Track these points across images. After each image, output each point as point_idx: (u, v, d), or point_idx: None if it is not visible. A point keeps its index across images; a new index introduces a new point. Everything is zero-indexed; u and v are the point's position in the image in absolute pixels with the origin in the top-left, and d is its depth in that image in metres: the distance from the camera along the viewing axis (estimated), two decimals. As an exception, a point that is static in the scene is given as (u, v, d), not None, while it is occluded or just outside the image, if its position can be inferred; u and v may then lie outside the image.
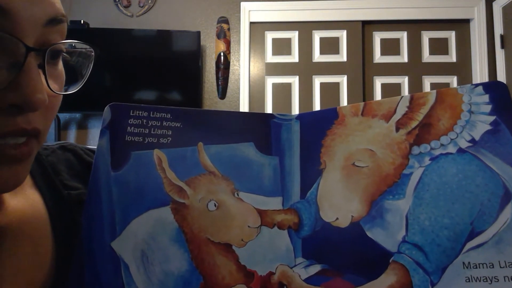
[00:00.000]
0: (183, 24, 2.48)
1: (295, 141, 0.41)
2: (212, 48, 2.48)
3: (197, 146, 0.41)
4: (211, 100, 2.48)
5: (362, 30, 2.50)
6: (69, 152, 0.46)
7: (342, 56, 2.49)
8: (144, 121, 0.41)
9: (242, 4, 2.49)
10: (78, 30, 2.29)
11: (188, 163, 0.40)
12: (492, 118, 0.37)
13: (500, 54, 2.35)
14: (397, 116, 0.39)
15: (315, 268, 0.36)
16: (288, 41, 2.52)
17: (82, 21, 2.35)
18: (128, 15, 2.53)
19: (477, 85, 0.38)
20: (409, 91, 2.46)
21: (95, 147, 0.41)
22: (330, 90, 2.47)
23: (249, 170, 0.40)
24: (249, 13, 2.50)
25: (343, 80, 2.47)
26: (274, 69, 2.51)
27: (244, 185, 0.40)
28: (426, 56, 2.49)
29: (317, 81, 2.49)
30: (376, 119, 0.40)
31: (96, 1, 2.54)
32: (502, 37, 2.34)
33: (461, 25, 2.48)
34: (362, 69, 2.47)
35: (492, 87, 0.38)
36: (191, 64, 2.35)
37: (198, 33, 2.36)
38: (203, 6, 2.51)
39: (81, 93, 0.39)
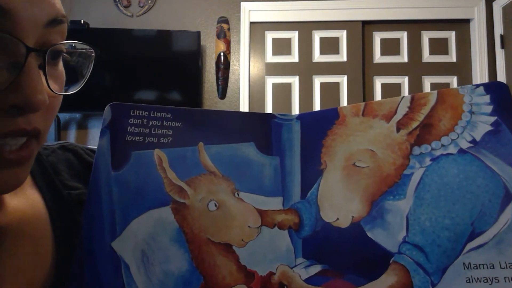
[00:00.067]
0: (183, 24, 2.48)
1: (295, 141, 0.41)
2: (212, 48, 2.48)
3: (198, 146, 0.41)
4: (211, 100, 2.48)
5: (362, 30, 2.50)
6: (69, 152, 0.46)
7: (342, 56, 2.49)
8: (145, 120, 0.41)
9: (242, 4, 2.49)
10: (78, 30, 2.29)
11: (188, 163, 0.40)
12: (493, 118, 0.37)
13: (500, 54, 2.35)
14: (398, 116, 0.39)
15: (316, 269, 0.36)
16: (288, 41, 2.52)
17: (82, 21, 2.34)
18: (128, 15, 2.53)
19: (478, 85, 0.38)
20: (409, 91, 2.46)
21: (96, 147, 0.41)
22: (330, 90, 2.47)
23: (249, 170, 0.40)
24: (249, 13, 2.50)
25: (343, 80, 2.47)
26: (274, 69, 2.51)
27: (245, 185, 0.40)
28: (426, 56, 2.49)
29: (317, 81, 2.49)
30: (377, 119, 0.40)
31: (96, 1, 2.54)
32: (502, 37, 2.34)
33: (461, 25, 2.48)
34: (362, 69, 2.47)
35: (493, 87, 0.38)
36: (191, 64, 2.35)
37: (198, 33, 2.36)
38: (203, 6, 2.51)
39: (81, 93, 0.39)
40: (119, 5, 2.53)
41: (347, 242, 0.36)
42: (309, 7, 2.47)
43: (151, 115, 0.41)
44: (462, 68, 2.47)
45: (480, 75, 2.39)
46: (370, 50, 2.52)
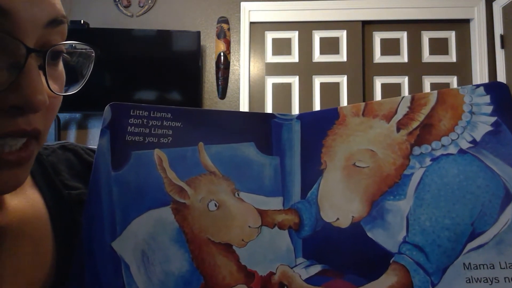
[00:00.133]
0: (183, 24, 2.48)
1: (295, 141, 0.41)
2: (212, 48, 2.48)
3: (198, 146, 0.41)
4: (211, 100, 2.48)
5: (362, 30, 2.50)
6: (69, 152, 0.46)
7: (342, 56, 2.49)
8: (145, 120, 0.41)
9: (242, 4, 2.49)
10: (78, 30, 2.29)
11: (188, 163, 0.40)
12: (493, 119, 0.37)
13: (500, 54, 2.35)
14: (398, 116, 0.39)
15: (316, 269, 0.36)
16: (288, 41, 2.52)
17: (82, 21, 2.34)
18: (128, 15, 2.53)
19: (478, 85, 0.38)
20: (409, 91, 2.46)
21: (96, 147, 0.41)
22: (330, 90, 2.47)
23: (249, 170, 0.40)
24: (249, 13, 2.50)
25: (343, 80, 2.47)
26: (274, 69, 2.51)
27: (245, 185, 0.40)
28: (426, 56, 2.49)
29: (317, 81, 2.49)
30: (377, 119, 0.40)
31: (96, 1, 2.54)
32: (502, 37, 2.34)
33: (461, 25, 2.48)
34: (362, 69, 2.47)
35: (493, 88, 0.38)
36: (191, 64, 2.35)
37: (198, 33, 2.36)
38: (203, 6, 2.51)
39: (81, 93, 0.39)
40: (119, 5, 2.53)
41: (347, 242, 0.36)
42: (309, 7, 2.47)
43: (151, 115, 0.41)
44: (462, 68, 2.47)
45: (480, 75, 2.39)
46: (370, 50, 2.52)
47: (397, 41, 2.51)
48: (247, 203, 0.39)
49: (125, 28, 2.39)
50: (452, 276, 0.34)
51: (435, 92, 0.39)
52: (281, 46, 2.52)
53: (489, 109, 0.37)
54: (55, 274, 0.37)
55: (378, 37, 2.52)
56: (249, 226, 0.38)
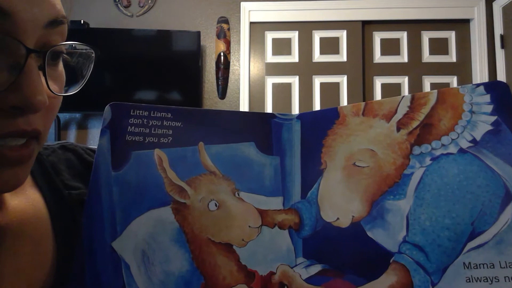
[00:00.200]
0: (183, 24, 2.48)
1: (295, 141, 0.41)
2: (212, 48, 2.48)
3: (198, 146, 0.41)
4: (211, 100, 2.48)
5: (362, 30, 2.50)
6: (69, 152, 0.46)
7: (342, 56, 2.49)
8: (145, 120, 0.41)
9: (242, 4, 2.49)
10: (78, 30, 2.29)
11: (188, 163, 0.40)
12: (493, 118, 0.37)
13: (500, 54, 2.35)
14: (398, 116, 0.39)
15: (316, 268, 0.36)
16: (288, 41, 2.52)
17: (82, 21, 2.34)
18: (128, 15, 2.53)
19: (478, 85, 0.38)
20: (409, 91, 2.46)
21: (96, 147, 0.41)
22: (330, 90, 2.47)
23: (249, 170, 0.40)
24: (249, 13, 2.50)
25: (343, 80, 2.47)
26: (274, 69, 2.51)
27: (245, 185, 0.40)
28: (426, 56, 2.49)
29: (317, 81, 2.49)
30: (377, 119, 0.40)
31: (96, 1, 2.54)
32: (502, 37, 2.34)
33: (461, 25, 2.48)
34: (362, 69, 2.47)
35: (493, 87, 0.38)
36: (191, 64, 2.35)
37: (198, 33, 2.36)
38: (203, 6, 2.51)
39: (81, 93, 0.39)
40: (119, 5, 2.53)
41: (347, 242, 0.36)
42: (309, 7, 2.47)
43: (151, 114, 0.41)
44: (462, 68, 2.47)
45: (480, 75, 2.39)
46: (370, 50, 2.52)
47: (397, 41, 2.51)
48: (247, 203, 0.39)
49: (125, 28, 2.39)
50: (452, 275, 0.34)
51: (435, 91, 0.39)
52: (281, 46, 2.52)
53: (489, 108, 0.37)
54: (55, 274, 0.37)
55: (378, 37, 2.52)
56: (249, 226, 0.38)
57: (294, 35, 2.52)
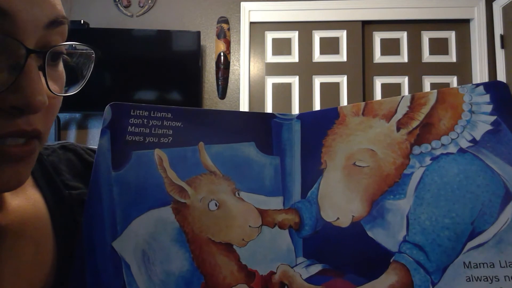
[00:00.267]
0: (183, 24, 2.48)
1: (296, 140, 0.41)
2: (212, 48, 2.48)
3: (198, 146, 0.41)
4: (211, 100, 2.48)
5: (362, 30, 2.50)
6: (70, 152, 0.46)
7: (342, 56, 2.49)
8: (145, 120, 0.41)
9: (242, 4, 2.49)
10: (78, 30, 2.29)
11: (189, 163, 0.40)
12: (493, 118, 0.37)
13: (500, 54, 2.35)
14: (398, 115, 0.39)
15: (316, 268, 0.36)
16: (288, 41, 2.52)
17: (82, 21, 2.34)
18: (128, 15, 2.53)
19: (478, 85, 0.38)
20: (409, 91, 2.46)
21: (96, 147, 0.41)
22: (330, 90, 2.47)
23: (250, 169, 0.40)
24: (249, 13, 2.50)
25: (343, 80, 2.47)
26: (274, 69, 2.51)
27: (245, 185, 0.40)
28: (426, 56, 2.49)
29: (317, 81, 2.49)
30: (377, 119, 0.40)
31: (96, 1, 2.54)
32: (502, 37, 2.34)
33: (461, 25, 2.48)
34: (362, 69, 2.47)
35: (493, 87, 0.38)
36: (191, 64, 2.35)
37: (198, 33, 2.36)
38: (203, 6, 2.51)
39: (81, 93, 0.39)
40: (119, 5, 2.53)
41: (347, 241, 0.37)
42: (309, 7, 2.47)
43: (151, 115, 0.41)
44: (462, 68, 2.47)
45: (480, 75, 2.39)
46: (370, 50, 2.52)
47: (397, 41, 2.51)
48: (247, 202, 0.39)
49: (125, 28, 2.40)
50: (452, 275, 0.34)
51: (435, 91, 0.39)
52: (281, 46, 2.52)
53: (489, 108, 0.37)
54: (56, 274, 0.37)
55: (378, 37, 2.52)
56: (249, 226, 0.38)
57: (294, 35, 2.52)
